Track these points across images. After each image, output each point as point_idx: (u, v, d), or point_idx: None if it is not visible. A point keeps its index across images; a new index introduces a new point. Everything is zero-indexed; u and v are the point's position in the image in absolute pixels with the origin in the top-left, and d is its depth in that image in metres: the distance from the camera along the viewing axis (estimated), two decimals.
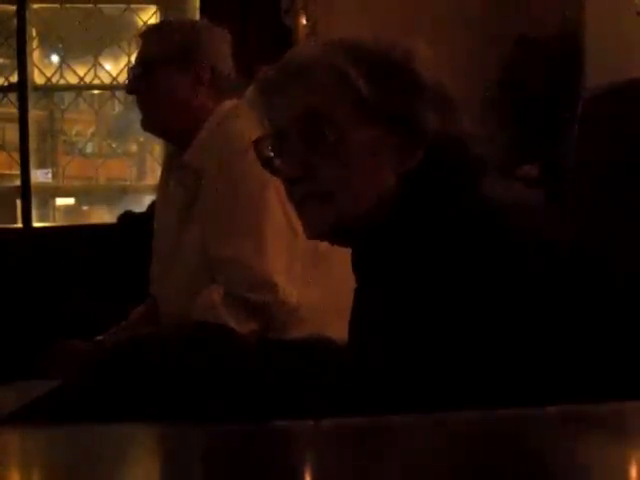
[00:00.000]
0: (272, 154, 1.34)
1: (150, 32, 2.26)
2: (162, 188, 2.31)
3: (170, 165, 2.27)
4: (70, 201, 5.07)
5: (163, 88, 2.14)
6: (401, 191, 1.28)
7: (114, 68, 4.01)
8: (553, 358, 1.20)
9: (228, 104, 2.16)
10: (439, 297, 1.22)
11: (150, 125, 2.21)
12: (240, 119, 2.12)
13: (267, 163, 1.36)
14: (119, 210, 3.41)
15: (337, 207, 1.29)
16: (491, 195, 1.28)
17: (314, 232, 1.35)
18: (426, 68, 1.30)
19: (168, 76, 2.14)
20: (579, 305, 1.24)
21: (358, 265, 1.37)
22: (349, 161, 1.28)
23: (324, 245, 1.45)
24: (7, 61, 4.09)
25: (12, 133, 3.99)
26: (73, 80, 3.98)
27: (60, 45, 4.13)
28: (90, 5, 3.97)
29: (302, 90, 1.30)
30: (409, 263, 1.25)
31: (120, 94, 3.97)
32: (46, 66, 4.07)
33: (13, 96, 3.80)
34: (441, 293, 1.21)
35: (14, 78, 3.80)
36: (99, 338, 2.23)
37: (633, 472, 0.68)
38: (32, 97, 3.82)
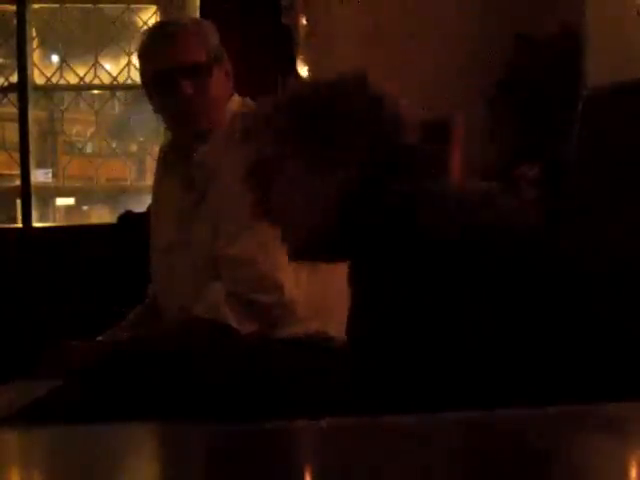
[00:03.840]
0: None
1: (190, 34, 2.13)
2: (159, 184, 2.29)
3: (171, 161, 2.23)
4: (70, 201, 5.06)
5: (215, 87, 2.12)
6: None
7: (114, 68, 4.00)
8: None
9: (236, 100, 2.16)
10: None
11: (197, 123, 2.13)
12: None
13: None
14: (119, 210, 3.41)
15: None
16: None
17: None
18: (358, 101, 1.49)
19: (216, 76, 2.13)
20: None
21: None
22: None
23: None
24: (7, 61, 4.08)
25: (12, 133, 3.98)
26: (73, 80, 3.97)
27: (60, 45, 4.12)
28: (90, 5, 3.96)
29: None
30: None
31: (120, 94, 3.95)
32: (46, 66, 4.06)
33: (13, 96, 3.79)
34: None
35: (14, 78, 3.79)
36: (99, 338, 2.23)
37: (633, 472, 0.68)
38: (32, 97, 3.81)
